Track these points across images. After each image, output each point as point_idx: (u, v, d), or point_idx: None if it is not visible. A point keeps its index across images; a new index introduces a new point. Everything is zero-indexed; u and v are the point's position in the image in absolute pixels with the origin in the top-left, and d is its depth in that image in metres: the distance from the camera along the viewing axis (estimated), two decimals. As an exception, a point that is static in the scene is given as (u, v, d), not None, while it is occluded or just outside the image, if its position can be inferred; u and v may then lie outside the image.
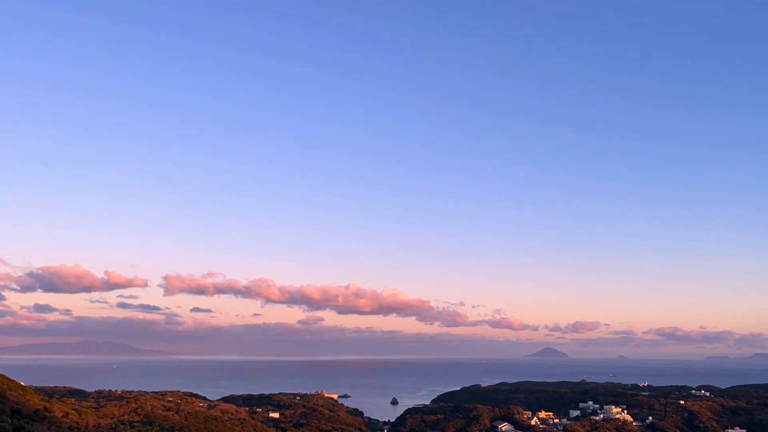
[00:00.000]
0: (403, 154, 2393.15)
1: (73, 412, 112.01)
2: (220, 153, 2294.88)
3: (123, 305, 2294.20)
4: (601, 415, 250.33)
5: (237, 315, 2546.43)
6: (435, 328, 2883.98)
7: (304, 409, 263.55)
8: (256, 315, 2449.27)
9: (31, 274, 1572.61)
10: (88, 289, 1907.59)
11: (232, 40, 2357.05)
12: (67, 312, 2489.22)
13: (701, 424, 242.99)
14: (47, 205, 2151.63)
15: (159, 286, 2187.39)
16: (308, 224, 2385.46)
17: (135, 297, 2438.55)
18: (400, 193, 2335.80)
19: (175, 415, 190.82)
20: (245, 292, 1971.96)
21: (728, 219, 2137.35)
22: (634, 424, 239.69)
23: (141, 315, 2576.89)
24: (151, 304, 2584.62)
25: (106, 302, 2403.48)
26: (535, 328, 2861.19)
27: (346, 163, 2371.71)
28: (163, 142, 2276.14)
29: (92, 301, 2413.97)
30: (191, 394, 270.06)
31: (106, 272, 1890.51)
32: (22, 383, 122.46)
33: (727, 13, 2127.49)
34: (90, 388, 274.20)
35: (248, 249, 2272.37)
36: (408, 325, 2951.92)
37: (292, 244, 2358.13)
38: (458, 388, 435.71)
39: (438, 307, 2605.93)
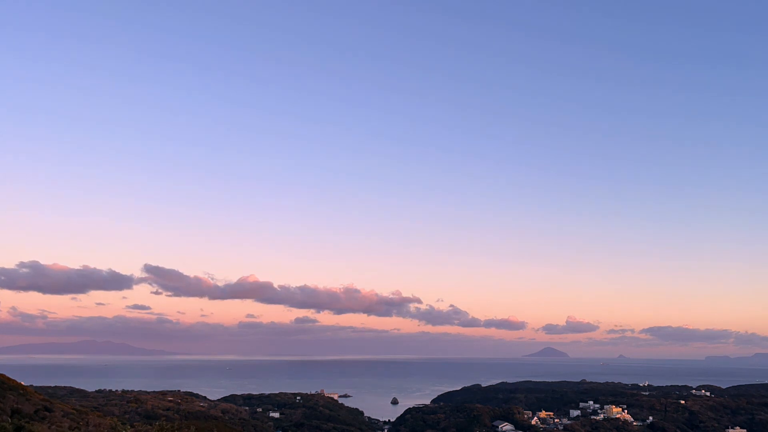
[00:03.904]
0: (402, 152, 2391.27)
1: (74, 411, 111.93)
2: (215, 151, 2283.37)
3: (121, 306, 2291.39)
4: (602, 415, 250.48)
5: (234, 315, 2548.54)
6: (434, 328, 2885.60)
7: (304, 409, 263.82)
8: (252, 315, 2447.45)
9: (23, 273, 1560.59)
10: (85, 289, 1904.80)
11: (233, 39, 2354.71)
12: (53, 312, 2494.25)
13: (702, 424, 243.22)
14: (41, 203, 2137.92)
15: (157, 285, 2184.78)
16: (305, 223, 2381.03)
17: (133, 297, 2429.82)
18: (398, 192, 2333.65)
19: (176, 414, 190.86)
20: (242, 291, 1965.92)
21: (729, 217, 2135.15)
22: (634, 423, 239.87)
23: (140, 315, 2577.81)
24: (150, 304, 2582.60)
25: (103, 303, 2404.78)
26: (536, 328, 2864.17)
27: (343, 162, 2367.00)
28: (158, 139, 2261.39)
29: (89, 302, 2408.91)
30: (191, 394, 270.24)
31: (102, 271, 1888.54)
32: (22, 383, 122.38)
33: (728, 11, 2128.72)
34: (90, 388, 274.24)
35: (245, 248, 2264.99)
36: (407, 324, 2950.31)
37: (289, 244, 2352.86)
38: (459, 388, 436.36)
39: (437, 307, 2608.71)
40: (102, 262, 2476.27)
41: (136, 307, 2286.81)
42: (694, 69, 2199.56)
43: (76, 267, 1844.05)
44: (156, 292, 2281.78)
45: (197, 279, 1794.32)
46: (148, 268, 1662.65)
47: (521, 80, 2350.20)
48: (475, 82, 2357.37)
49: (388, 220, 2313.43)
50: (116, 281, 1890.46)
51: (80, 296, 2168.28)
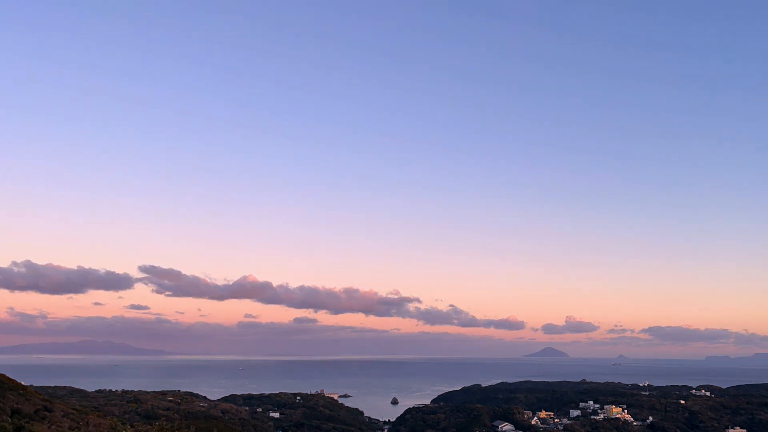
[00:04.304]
0: (401, 151, 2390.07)
1: (74, 411, 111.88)
2: (214, 151, 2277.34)
3: (120, 306, 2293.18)
4: (602, 415, 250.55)
5: (233, 315, 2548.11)
6: (434, 328, 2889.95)
7: (304, 409, 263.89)
8: (251, 315, 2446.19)
9: (21, 273, 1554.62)
10: (84, 288, 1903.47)
11: (230, 37, 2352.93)
12: (52, 313, 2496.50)
13: (702, 424, 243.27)
14: (38, 202, 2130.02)
15: (155, 285, 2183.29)
16: (304, 223, 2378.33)
17: (132, 297, 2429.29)
18: (398, 191, 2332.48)
19: (176, 414, 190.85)
20: (241, 291, 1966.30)
21: (729, 217, 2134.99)
22: (634, 423, 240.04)
23: (139, 315, 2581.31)
24: (149, 304, 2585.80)
25: (102, 303, 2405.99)
26: (535, 328, 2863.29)
27: (342, 161, 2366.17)
28: (156, 138, 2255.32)
29: (88, 302, 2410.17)
30: (191, 394, 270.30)
31: (101, 271, 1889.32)
32: (22, 383, 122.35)
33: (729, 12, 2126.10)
34: (90, 388, 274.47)
35: (243, 248, 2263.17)
36: (406, 324, 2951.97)
37: (288, 243, 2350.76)
38: (458, 388, 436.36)
39: (437, 307, 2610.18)
40: (100, 261, 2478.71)
41: (135, 307, 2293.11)
42: (696, 64, 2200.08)
43: (74, 267, 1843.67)
44: (155, 292, 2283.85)
45: (196, 279, 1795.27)
46: (147, 268, 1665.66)
47: (521, 78, 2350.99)
48: (475, 80, 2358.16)
49: (387, 219, 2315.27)
50: (115, 281, 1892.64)
51: (78, 296, 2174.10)
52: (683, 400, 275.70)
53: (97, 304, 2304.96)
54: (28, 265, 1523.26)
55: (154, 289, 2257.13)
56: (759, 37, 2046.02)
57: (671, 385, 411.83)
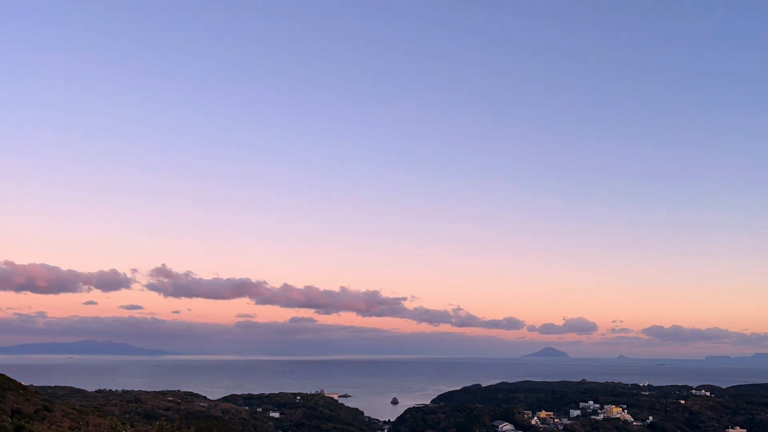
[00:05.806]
0: (401, 150, 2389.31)
1: (74, 411, 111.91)
2: (211, 149, 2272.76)
3: (118, 305, 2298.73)
4: (602, 415, 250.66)
5: (231, 314, 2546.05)
6: (434, 328, 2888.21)
7: (304, 409, 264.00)
8: (250, 315, 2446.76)
9: (18, 273, 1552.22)
10: (83, 288, 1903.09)
11: (236, 35, 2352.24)
12: (51, 313, 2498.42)
13: (702, 424, 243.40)
14: (35, 202, 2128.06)
15: (154, 285, 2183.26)
16: (303, 222, 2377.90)
17: (131, 297, 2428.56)
18: (397, 191, 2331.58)
19: (176, 414, 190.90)
20: (239, 291, 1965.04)
21: (729, 216, 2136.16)
22: (634, 423, 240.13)
23: (138, 315, 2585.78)
24: (147, 304, 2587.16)
25: (101, 303, 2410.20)
26: (535, 328, 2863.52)
27: (342, 160, 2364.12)
28: (152, 137, 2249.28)
29: (87, 302, 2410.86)
30: (191, 394, 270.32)
31: (99, 271, 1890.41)
32: (23, 383, 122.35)
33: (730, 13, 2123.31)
34: (90, 388, 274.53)
35: (242, 247, 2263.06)
36: (406, 324, 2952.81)
37: (287, 243, 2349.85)
38: (459, 388, 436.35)
39: (437, 307, 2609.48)
40: (99, 261, 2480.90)
41: (133, 307, 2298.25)
42: (697, 57, 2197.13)
43: (74, 267, 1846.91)
44: (152, 292, 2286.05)
45: (193, 278, 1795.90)
46: (145, 268, 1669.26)
47: (522, 74, 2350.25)
48: (474, 77, 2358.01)
49: (387, 219, 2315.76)
50: (113, 281, 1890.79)
51: (78, 296, 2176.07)
52: (683, 400, 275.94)
53: (89, 303, 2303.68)
54: (21, 265, 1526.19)
55: (153, 289, 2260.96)
56: (758, 30, 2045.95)
57: (671, 385, 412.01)
